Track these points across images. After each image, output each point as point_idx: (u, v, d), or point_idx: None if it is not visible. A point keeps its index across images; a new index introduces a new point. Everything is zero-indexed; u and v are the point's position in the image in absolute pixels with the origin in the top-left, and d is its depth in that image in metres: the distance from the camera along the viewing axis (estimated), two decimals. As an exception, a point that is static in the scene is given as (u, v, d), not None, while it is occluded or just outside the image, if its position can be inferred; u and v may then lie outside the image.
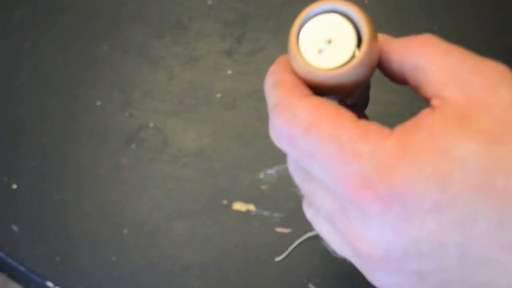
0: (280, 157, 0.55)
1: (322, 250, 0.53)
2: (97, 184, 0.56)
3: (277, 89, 0.34)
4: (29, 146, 0.58)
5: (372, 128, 0.31)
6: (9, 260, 0.55)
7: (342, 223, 0.33)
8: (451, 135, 0.30)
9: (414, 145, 0.30)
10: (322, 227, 0.37)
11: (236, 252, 0.54)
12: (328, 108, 0.32)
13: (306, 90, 0.34)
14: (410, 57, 0.34)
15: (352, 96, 0.37)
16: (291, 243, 0.53)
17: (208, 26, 0.60)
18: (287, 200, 0.54)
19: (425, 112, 0.32)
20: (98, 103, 0.59)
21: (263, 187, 0.55)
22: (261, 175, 0.55)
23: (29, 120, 0.59)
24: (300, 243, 0.53)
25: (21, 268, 0.55)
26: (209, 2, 0.61)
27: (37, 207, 0.56)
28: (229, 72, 0.58)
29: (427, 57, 0.33)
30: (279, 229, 0.54)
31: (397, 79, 0.35)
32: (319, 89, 0.34)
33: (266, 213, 0.54)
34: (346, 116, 0.32)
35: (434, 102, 0.32)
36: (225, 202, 0.55)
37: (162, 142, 0.57)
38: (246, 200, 0.55)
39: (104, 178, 0.57)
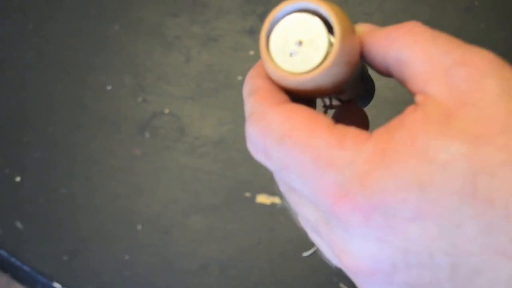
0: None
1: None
2: (108, 176, 0.56)
3: (252, 97, 0.33)
4: (34, 136, 0.58)
5: (349, 134, 0.31)
6: (13, 259, 0.55)
7: (327, 235, 0.32)
8: (432, 135, 0.29)
9: (393, 149, 0.29)
10: (312, 238, 0.35)
11: (260, 249, 0.53)
12: (302, 115, 0.31)
13: (281, 96, 0.33)
14: (392, 49, 0.33)
15: (345, 92, 0.36)
16: None
17: (227, 3, 0.60)
18: None
19: (409, 109, 0.30)
20: (109, 88, 0.58)
21: None
22: None
23: (33, 107, 0.58)
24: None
25: (26, 268, 0.55)
26: (228, -21, 0.61)
27: (42, 201, 0.56)
28: (251, 52, 0.58)
29: (410, 48, 0.32)
30: None
31: (383, 72, 0.34)
32: (297, 93, 0.33)
33: None
34: (321, 123, 0.31)
35: (418, 98, 0.31)
36: (247, 194, 0.55)
37: (178, 130, 0.57)
38: (271, 193, 0.55)
39: (115, 170, 0.56)
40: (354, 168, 0.29)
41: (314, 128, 0.31)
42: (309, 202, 0.33)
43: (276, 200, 0.54)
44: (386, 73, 0.34)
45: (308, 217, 0.33)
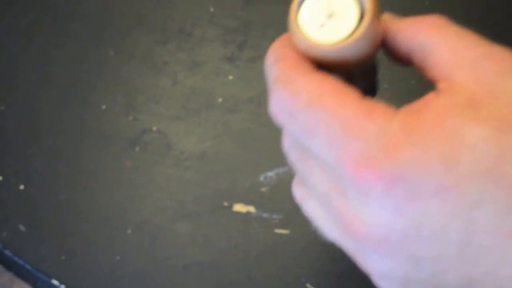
0: (279, 160, 0.56)
1: (320, 250, 0.53)
2: (102, 185, 0.57)
3: (279, 64, 0.33)
4: (36, 149, 0.58)
5: (377, 107, 0.30)
6: (16, 259, 0.55)
7: (338, 204, 0.31)
8: (461, 119, 0.29)
9: (421, 127, 0.29)
10: (312, 209, 0.35)
11: (236, 252, 0.54)
12: (333, 84, 0.31)
13: (309, 66, 0.33)
14: (419, 37, 0.32)
15: (356, 79, 0.35)
16: (290, 244, 0.54)
17: (210, 33, 0.61)
18: (286, 202, 0.55)
19: (431, 95, 0.30)
20: (104, 107, 0.59)
21: (263, 189, 0.55)
22: (261, 178, 0.56)
23: (36, 123, 0.59)
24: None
25: (28, 267, 0.55)
26: (212, 10, 0.61)
27: (44, 207, 0.56)
28: (231, 77, 0.59)
29: (437, 38, 0.32)
30: (278, 230, 0.54)
31: (403, 59, 0.34)
32: (322, 67, 0.33)
33: (265, 214, 0.54)
34: (351, 93, 0.31)
35: (442, 85, 0.31)
36: (226, 204, 0.55)
37: (165, 145, 0.57)
38: (247, 202, 0.55)
39: (108, 180, 0.57)
40: (381, 140, 0.29)
41: (344, 97, 0.30)
42: (325, 169, 0.32)
43: (251, 209, 0.54)
44: (405, 60, 0.34)
45: (318, 186, 0.33)
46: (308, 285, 0.52)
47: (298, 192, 0.37)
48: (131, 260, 0.54)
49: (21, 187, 0.57)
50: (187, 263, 0.54)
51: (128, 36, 0.61)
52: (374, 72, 0.39)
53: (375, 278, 0.32)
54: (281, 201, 0.55)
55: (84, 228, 0.56)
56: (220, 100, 0.59)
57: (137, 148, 0.57)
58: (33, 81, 0.60)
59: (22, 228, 0.56)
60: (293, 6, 0.33)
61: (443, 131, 0.28)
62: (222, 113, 0.58)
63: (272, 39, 0.59)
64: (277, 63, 0.33)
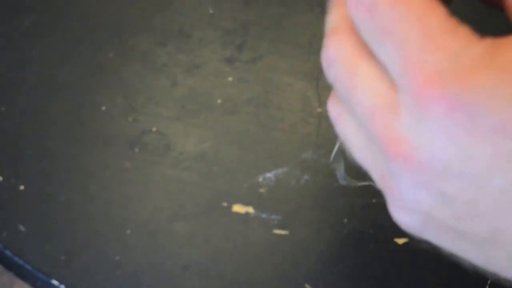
0: (278, 161, 0.56)
1: (319, 250, 0.53)
2: (102, 186, 0.57)
3: None
4: (36, 150, 0.58)
5: (464, 27, 0.28)
6: (16, 259, 0.55)
7: (384, 121, 0.29)
8: None
9: (503, 60, 0.27)
10: (347, 128, 0.33)
11: (235, 253, 0.54)
12: None
13: None
14: None
15: None
16: (289, 245, 0.54)
17: (209, 35, 0.61)
18: (285, 203, 0.55)
19: None
20: (103, 108, 0.59)
21: (262, 190, 0.55)
22: (260, 179, 0.56)
23: (36, 125, 0.59)
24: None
25: (28, 267, 0.55)
26: (211, 11, 0.62)
27: (43, 208, 0.57)
28: (230, 79, 0.59)
29: None
30: (277, 231, 0.54)
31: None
32: None
33: (264, 215, 0.55)
34: (439, 6, 0.28)
35: None
36: (225, 204, 0.55)
37: (165, 146, 0.58)
38: (245, 203, 0.55)
39: (108, 181, 0.57)
40: (459, 60, 0.27)
41: (433, 7, 0.28)
42: (382, 80, 0.30)
43: (250, 209, 0.55)
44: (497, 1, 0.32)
45: (363, 100, 0.31)
46: (306, 285, 0.53)
47: (334, 110, 0.34)
48: (130, 260, 0.54)
49: (21, 187, 0.57)
50: (186, 263, 0.54)
51: (128, 37, 0.62)
52: None
53: (395, 206, 0.30)
54: (280, 201, 0.55)
55: (84, 229, 0.56)
56: (219, 101, 0.59)
57: (136, 149, 0.58)
58: (33, 82, 0.60)
59: (22, 228, 0.56)
60: None
61: None
62: (221, 114, 0.58)
63: (270, 41, 0.60)
64: None
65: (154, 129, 0.58)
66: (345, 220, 0.54)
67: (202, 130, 0.58)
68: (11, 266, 0.56)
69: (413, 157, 0.28)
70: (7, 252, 0.56)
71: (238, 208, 0.55)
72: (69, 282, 0.54)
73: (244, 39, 0.60)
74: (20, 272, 0.56)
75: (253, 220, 0.55)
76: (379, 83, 0.30)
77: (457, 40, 0.27)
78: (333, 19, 0.33)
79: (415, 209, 0.29)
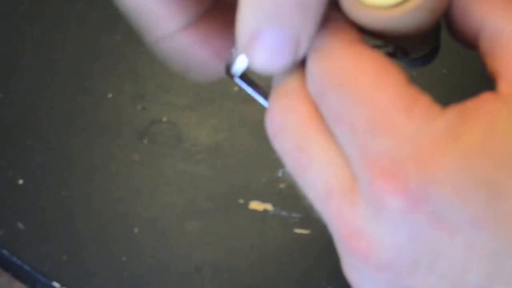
0: (299, 154, 0.55)
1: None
2: (107, 180, 0.57)
3: (323, 29, 0.29)
4: (36, 140, 0.58)
5: (421, 100, 0.26)
6: (14, 259, 0.55)
7: (340, 209, 0.27)
8: None
9: (469, 139, 0.25)
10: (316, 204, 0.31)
11: (252, 253, 0.54)
12: (374, 63, 0.27)
13: (354, 35, 0.28)
14: (495, 17, 0.28)
15: (409, 48, 0.32)
16: (310, 245, 0.53)
17: None
18: (306, 199, 0.54)
19: (487, 97, 0.26)
20: (109, 95, 0.59)
21: (282, 185, 0.55)
22: (280, 173, 0.55)
23: (36, 113, 0.59)
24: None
25: (27, 268, 0.55)
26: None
27: (44, 204, 0.56)
28: None
29: None
30: (298, 230, 0.54)
31: (467, 39, 0.30)
32: (369, 35, 0.29)
33: (284, 213, 0.54)
34: (393, 77, 0.26)
35: (503, 87, 0.26)
36: (241, 201, 0.55)
37: (176, 137, 0.57)
38: (263, 199, 0.55)
39: (114, 175, 0.57)
40: (416, 144, 0.25)
41: (384, 81, 0.26)
42: (338, 162, 0.28)
43: (269, 207, 0.54)
44: (469, 40, 0.30)
45: (317, 181, 0.28)
46: (329, 288, 0.52)
47: (279, 143, 0.31)
48: (138, 261, 0.55)
49: (20, 181, 0.57)
50: (198, 264, 0.54)
51: (136, 19, 0.60)
52: (434, 40, 0.34)
53: None
54: (300, 198, 0.53)
55: (88, 226, 0.56)
56: (235, 88, 0.58)
57: (145, 140, 0.57)
58: (33, 67, 0.60)
59: (20, 226, 0.56)
60: None
61: (494, 152, 0.24)
62: (237, 103, 0.57)
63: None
64: (321, 28, 0.29)
65: (164, 118, 0.57)
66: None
67: (217, 120, 0.57)
68: (9, 267, 0.55)
69: (374, 255, 0.26)
70: (5, 252, 0.55)
71: (255, 205, 0.55)
72: (71, 284, 0.55)
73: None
74: (18, 273, 0.55)
75: (272, 218, 0.54)
76: (335, 162, 0.28)
77: (413, 119, 0.25)
78: (287, 78, 0.30)
79: None
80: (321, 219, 0.49)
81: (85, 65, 0.60)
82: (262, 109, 0.55)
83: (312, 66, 0.28)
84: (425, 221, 0.25)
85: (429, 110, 0.26)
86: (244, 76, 0.35)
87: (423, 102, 0.26)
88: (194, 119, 0.57)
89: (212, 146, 0.57)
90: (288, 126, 0.29)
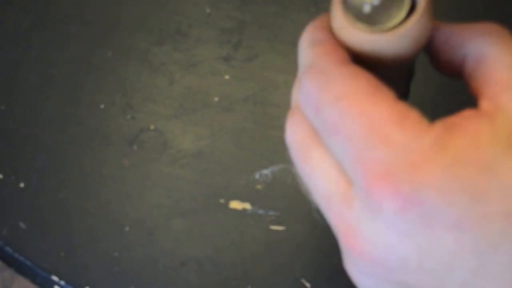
0: (274, 158, 0.56)
1: (315, 246, 0.54)
2: (100, 183, 0.57)
3: (315, 49, 0.30)
4: (36, 148, 0.58)
5: (411, 115, 0.27)
6: (17, 255, 0.55)
7: (339, 209, 0.29)
8: (500, 151, 0.25)
9: (455, 150, 0.26)
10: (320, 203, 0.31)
11: (232, 249, 0.54)
12: (367, 81, 0.28)
13: (345, 56, 0.29)
14: (475, 42, 0.29)
15: (390, 80, 0.31)
16: (286, 240, 0.54)
17: (206, 34, 0.61)
18: (281, 199, 0.55)
19: (470, 113, 0.27)
20: (102, 106, 0.59)
21: (258, 186, 0.56)
22: (257, 176, 0.56)
23: (36, 123, 0.59)
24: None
25: (28, 263, 0.55)
26: (208, 11, 0.62)
27: (43, 205, 0.57)
28: (227, 77, 0.59)
29: (497, 48, 0.28)
30: (274, 227, 0.54)
31: (453, 68, 0.31)
32: (357, 60, 0.30)
33: (261, 211, 0.55)
34: (385, 94, 0.27)
35: (485, 105, 0.27)
36: (222, 201, 0.55)
37: (162, 143, 0.58)
38: (242, 199, 0.55)
39: (106, 178, 0.57)
40: (408, 154, 0.26)
41: (377, 97, 0.27)
42: (336, 170, 0.29)
43: (247, 206, 0.55)
44: (453, 67, 0.30)
45: (320, 185, 0.30)
46: (303, 280, 0.53)
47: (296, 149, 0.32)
48: (129, 256, 0.55)
49: (21, 185, 0.57)
50: (184, 259, 0.54)
51: (126, 37, 0.62)
52: (409, 76, 0.35)
53: (357, 285, 0.30)
54: (276, 198, 0.55)
55: (83, 225, 0.56)
56: (216, 99, 0.59)
57: (134, 147, 0.58)
58: (32, 81, 0.60)
59: (22, 225, 0.56)
60: None
61: (477, 161, 0.25)
62: (218, 112, 0.58)
63: (266, 40, 0.60)
64: (313, 47, 0.30)
65: (152, 127, 0.58)
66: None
67: (199, 128, 0.58)
68: (11, 263, 0.56)
69: (368, 253, 0.27)
70: (8, 249, 0.56)
71: (235, 205, 0.55)
72: (68, 278, 0.55)
73: (241, 38, 0.60)
74: (20, 269, 0.56)
75: (250, 216, 0.55)
76: (332, 172, 0.29)
77: (405, 131, 0.26)
78: (294, 97, 0.32)
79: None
80: (295, 217, 0.52)
81: (79, 79, 0.60)
82: (240, 118, 0.58)
83: (307, 83, 0.29)
84: (415, 221, 0.25)
85: (418, 124, 0.27)
86: None
87: (413, 116, 0.27)
88: (179, 127, 0.58)
89: (195, 151, 0.57)
90: (295, 141, 0.31)
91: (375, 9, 0.28)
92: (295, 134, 0.31)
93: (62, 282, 0.54)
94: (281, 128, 0.56)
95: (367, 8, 0.29)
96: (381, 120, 0.27)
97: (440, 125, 0.27)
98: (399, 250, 0.26)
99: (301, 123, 0.31)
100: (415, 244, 0.26)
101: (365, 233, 0.27)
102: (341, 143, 0.27)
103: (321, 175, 0.30)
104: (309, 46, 0.30)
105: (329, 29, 0.31)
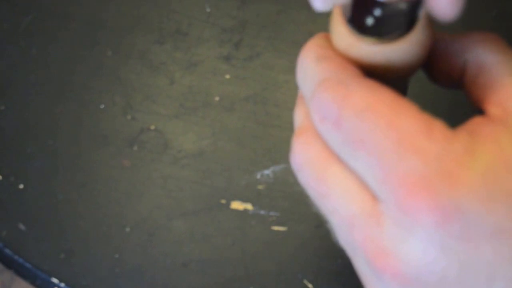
0: (276, 158, 0.56)
1: (317, 246, 0.54)
2: (100, 184, 0.57)
3: (325, 63, 0.29)
4: (36, 148, 0.58)
5: (438, 125, 0.26)
6: (16, 257, 0.55)
7: (365, 232, 0.27)
8: None
9: (484, 156, 0.25)
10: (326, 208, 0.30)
11: (233, 249, 0.54)
12: (388, 92, 0.27)
13: (358, 71, 0.28)
14: (477, 50, 0.29)
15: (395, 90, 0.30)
16: (287, 241, 0.54)
17: (207, 33, 0.61)
18: (283, 199, 0.55)
19: (481, 120, 0.27)
20: (102, 106, 0.59)
21: (260, 187, 0.56)
22: (258, 176, 0.56)
23: (36, 123, 0.59)
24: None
25: (28, 265, 0.55)
26: (208, 10, 0.62)
27: (43, 206, 0.57)
28: (227, 76, 0.59)
29: (500, 56, 0.28)
30: (275, 227, 0.54)
31: (452, 77, 0.30)
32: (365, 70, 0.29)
33: (262, 212, 0.55)
34: (408, 105, 0.26)
35: (494, 111, 0.27)
36: (223, 201, 0.55)
37: (163, 144, 0.58)
38: (244, 200, 0.55)
39: (107, 179, 0.57)
40: (442, 163, 0.25)
41: (402, 108, 0.26)
42: (361, 189, 0.27)
43: (248, 206, 0.55)
44: (454, 78, 0.30)
45: (339, 209, 0.28)
46: (305, 281, 0.53)
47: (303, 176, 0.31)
48: (129, 258, 0.55)
49: (21, 186, 0.57)
50: (185, 260, 0.54)
51: (126, 36, 0.61)
52: (404, 91, 0.35)
53: None
54: (278, 198, 0.55)
55: (83, 227, 0.56)
56: (217, 98, 0.59)
57: (135, 147, 0.58)
58: (32, 81, 0.60)
59: (22, 227, 0.56)
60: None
61: (505, 164, 0.25)
62: (219, 112, 0.58)
63: (267, 39, 0.60)
64: (321, 62, 0.29)
65: (152, 127, 0.58)
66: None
67: (200, 128, 0.58)
68: (11, 265, 0.55)
69: (402, 272, 0.26)
70: (7, 251, 0.56)
71: (236, 205, 0.55)
72: (68, 280, 0.54)
73: (241, 37, 0.60)
74: (20, 271, 0.56)
75: (251, 217, 0.55)
76: (354, 190, 0.28)
77: (434, 140, 0.25)
78: (298, 117, 0.31)
79: None
80: (297, 217, 0.52)
81: (79, 79, 0.60)
82: (241, 117, 0.58)
83: (324, 95, 0.27)
84: (456, 233, 0.24)
85: (446, 133, 0.26)
86: None
87: (439, 125, 0.26)
88: (180, 127, 0.58)
89: (196, 152, 0.57)
90: (306, 162, 0.29)
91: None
92: (306, 154, 0.30)
93: (62, 284, 0.54)
94: (282, 128, 0.57)
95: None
96: (410, 131, 0.26)
97: (464, 132, 0.26)
98: (437, 266, 0.25)
99: (313, 141, 0.30)
100: (455, 257, 0.25)
101: (397, 251, 0.26)
102: (367, 157, 0.26)
103: (341, 195, 0.28)
104: (315, 62, 0.29)
105: (331, 47, 0.30)
